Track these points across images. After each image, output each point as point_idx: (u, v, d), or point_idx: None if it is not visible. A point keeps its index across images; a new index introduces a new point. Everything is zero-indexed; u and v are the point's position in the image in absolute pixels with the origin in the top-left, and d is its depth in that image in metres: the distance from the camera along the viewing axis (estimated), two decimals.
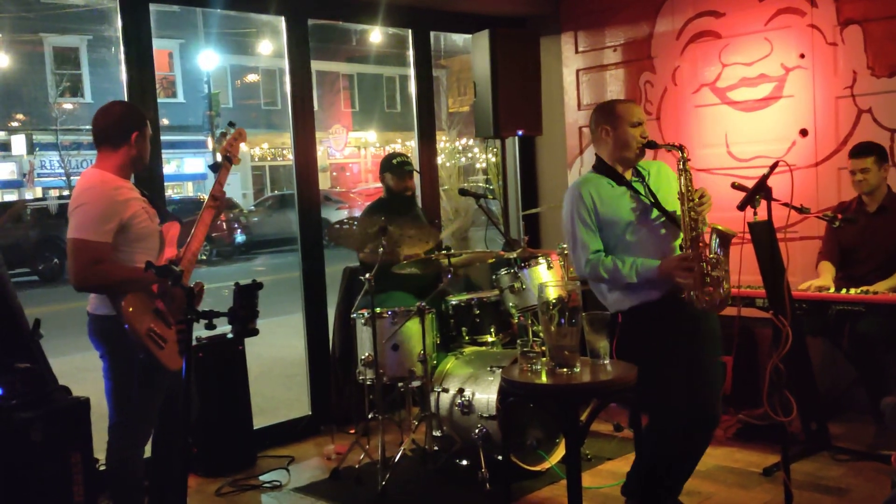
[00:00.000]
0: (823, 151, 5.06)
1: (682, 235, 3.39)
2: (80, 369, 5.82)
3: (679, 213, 3.40)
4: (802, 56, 5.09)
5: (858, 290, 4.31)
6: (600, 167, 3.57)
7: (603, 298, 3.58)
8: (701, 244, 3.33)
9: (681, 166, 3.38)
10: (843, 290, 4.36)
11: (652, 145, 3.49)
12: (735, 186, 3.70)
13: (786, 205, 3.78)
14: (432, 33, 6.19)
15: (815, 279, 4.64)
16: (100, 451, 3.61)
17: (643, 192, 3.48)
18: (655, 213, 3.46)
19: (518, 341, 3.36)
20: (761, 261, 3.89)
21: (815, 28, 5.03)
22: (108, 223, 3.19)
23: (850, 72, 4.93)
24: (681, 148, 3.40)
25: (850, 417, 4.83)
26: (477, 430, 4.24)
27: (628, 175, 3.54)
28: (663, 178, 3.58)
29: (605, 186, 3.50)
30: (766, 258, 3.81)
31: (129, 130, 3.33)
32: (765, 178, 3.50)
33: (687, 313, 3.42)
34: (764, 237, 3.70)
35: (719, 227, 3.37)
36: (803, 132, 5.13)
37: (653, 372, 3.16)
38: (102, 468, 3.67)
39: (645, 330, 3.40)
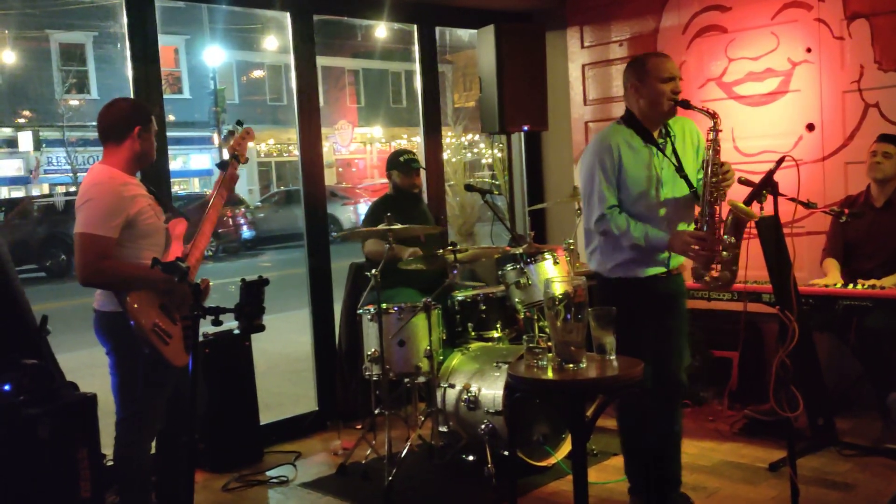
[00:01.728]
0: (830, 146, 5.05)
1: (698, 208, 3.38)
2: (87, 365, 5.85)
3: (699, 184, 3.38)
4: (809, 50, 5.07)
5: (865, 286, 4.30)
6: (629, 120, 3.50)
7: (588, 251, 3.59)
8: (716, 220, 3.32)
9: (711, 136, 3.34)
10: (850, 286, 4.35)
11: (685, 105, 3.41)
12: (741, 181, 3.68)
13: (792, 200, 3.76)
14: (438, 28, 6.19)
15: (821, 278, 4.63)
16: (107, 447, 3.62)
17: (668, 156, 3.45)
18: (677, 180, 3.44)
19: (524, 337, 3.36)
20: (768, 256, 3.88)
21: (821, 22, 5.01)
22: (115, 218, 3.20)
23: (857, 66, 4.90)
24: (713, 115, 3.35)
25: (856, 413, 4.82)
26: (483, 426, 4.25)
27: (655, 134, 3.49)
28: (688, 139, 3.53)
29: (634, 143, 3.45)
30: (772, 253, 3.80)
31: (131, 125, 3.33)
32: (771, 172, 3.48)
33: (662, 292, 3.48)
34: (770, 232, 3.69)
35: (739, 207, 3.35)
36: (810, 127, 5.11)
37: (622, 342, 3.12)
38: (110, 464, 3.68)
39: (620, 302, 3.38)
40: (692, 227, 3.46)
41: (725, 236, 3.34)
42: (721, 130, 3.38)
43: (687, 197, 3.49)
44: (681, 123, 3.57)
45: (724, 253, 3.32)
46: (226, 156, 3.63)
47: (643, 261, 3.46)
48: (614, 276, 3.51)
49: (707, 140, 3.37)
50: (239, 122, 3.74)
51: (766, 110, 5.29)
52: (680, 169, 3.44)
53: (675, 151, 3.47)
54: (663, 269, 3.49)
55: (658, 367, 3.49)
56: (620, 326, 3.09)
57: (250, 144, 3.76)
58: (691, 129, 3.59)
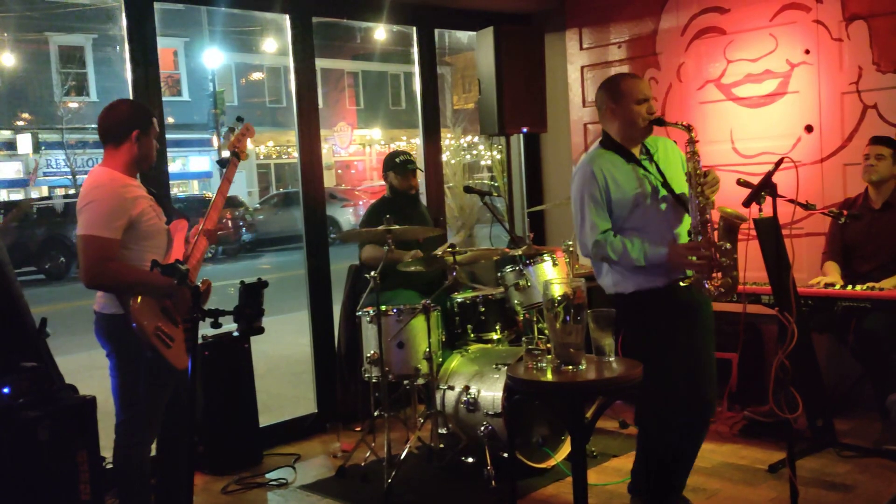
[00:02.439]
0: (829, 147, 5.05)
1: (689, 219, 3.38)
2: (86, 368, 5.84)
3: (687, 195, 3.39)
4: (807, 52, 5.08)
5: (864, 287, 4.30)
6: (608, 144, 3.52)
7: (602, 278, 3.57)
8: (710, 228, 3.32)
9: (689, 148, 3.36)
10: (849, 287, 4.35)
11: (659, 122, 3.44)
12: (740, 183, 3.69)
13: (791, 201, 3.77)
14: (437, 30, 6.19)
15: (820, 276, 4.63)
16: (107, 450, 3.62)
17: (653, 172, 3.46)
18: (664, 193, 3.44)
19: (523, 339, 3.36)
20: (767, 257, 3.89)
21: (820, 24, 5.02)
22: (117, 220, 3.20)
23: (856, 67, 4.91)
24: (689, 128, 3.37)
25: (855, 414, 4.82)
26: (482, 428, 4.24)
27: (636, 152, 3.50)
28: (671, 157, 3.55)
29: (617, 164, 3.46)
30: (771, 255, 3.80)
31: (129, 128, 3.33)
32: (770, 174, 3.49)
33: (687, 301, 3.44)
34: (769, 234, 3.69)
35: (728, 212, 3.36)
36: (808, 128, 5.12)
37: (651, 358, 3.16)
38: (109, 466, 3.68)
39: (646, 316, 3.41)
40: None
41: (720, 243, 3.34)
42: (698, 141, 3.38)
43: (682, 205, 3.48)
44: (662, 143, 3.59)
45: (723, 259, 3.32)
46: (226, 154, 3.62)
47: (660, 271, 3.43)
48: (631, 290, 3.46)
49: (686, 152, 3.38)
50: (239, 119, 3.74)
51: (764, 112, 5.30)
52: (666, 184, 3.45)
53: (658, 169, 3.47)
54: (681, 275, 3.44)
55: (688, 386, 3.43)
56: (650, 341, 3.08)
57: (249, 145, 3.76)
58: (673, 147, 3.60)
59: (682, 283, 3.41)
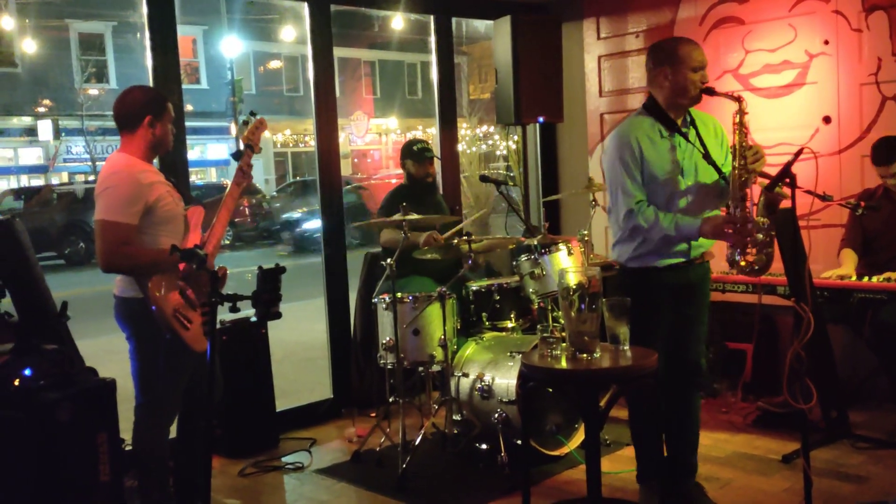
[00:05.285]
0: (847, 139, 5.03)
1: (730, 192, 3.36)
2: (106, 351, 5.90)
3: (728, 168, 3.37)
4: (826, 42, 5.05)
5: (881, 278, 4.29)
6: (652, 109, 3.48)
7: (614, 247, 3.62)
8: (748, 204, 3.31)
9: (736, 120, 3.32)
10: (865, 278, 4.34)
11: (710, 92, 3.40)
12: (759, 174, 3.68)
13: (809, 192, 3.76)
14: (454, 19, 6.19)
15: (837, 268, 4.61)
16: (126, 432, 3.68)
17: (694, 141, 3.43)
18: (704, 166, 3.42)
19: (538, 327, 3.37)
20: (783, 248, 3.88)
21: (839, 14, 4.99)
22: (134, 205, 3.24)
23: (875, 58, 4.88)
24: (738, 99, 3.34)
25: (870, 405, 4.82)
26: (496, 415, 4.27)
27: (679, 121, 3.47)
28: (710, 130, 3.53)
29: (656, 136, 3.43)
30: (788, 246, 3.80)
31: (142, 115, 3.37)
32: (788, 165, 3.47)
33: (685, 280, 3.49)
34: (786, 224, 3.69)
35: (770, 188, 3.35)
36: (827, 119, 5.09)
37: (645, 331, 3.23)
38: (128, 448, 3.74)
39: (637, 292, 3.39)
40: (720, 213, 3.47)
41: (759, 218, 3.33)
42: (747, 113, 3.34)
43: (713, 184, 3.47)
44: (701, 117, 3.56)
45: (759, 235, 3.31)
46: (241, 146, 3.66)
47: (659, 251, 3.46)
48: (631, 267, 3.53)
49: (734, 124, 3.35)
50: (252, 113, 3.78)
51: (782, 102, 5.27)
52: (707, 156, 3.41)
53: (699, 137, 3.44)
54: (681, 259, 3.49)
55: (675, 352, 3.51)
56: (633, 315, 3.10)
57: (265, 133, 3.80)
58: (713, 122, 3.58)
59: (680, 264, 3.45)
